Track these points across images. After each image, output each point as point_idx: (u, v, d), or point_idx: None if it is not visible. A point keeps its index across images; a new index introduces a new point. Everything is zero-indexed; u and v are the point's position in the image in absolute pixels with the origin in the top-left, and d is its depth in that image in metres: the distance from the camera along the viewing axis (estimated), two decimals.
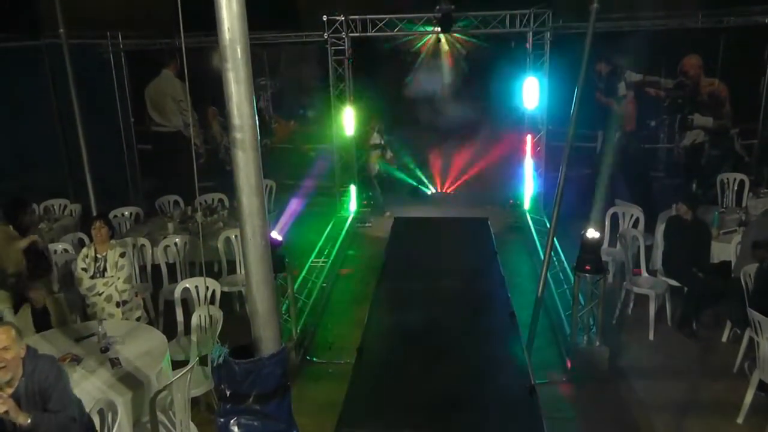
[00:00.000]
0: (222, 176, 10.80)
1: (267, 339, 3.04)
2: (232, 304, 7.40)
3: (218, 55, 8.66)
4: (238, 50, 2.67)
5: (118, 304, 5.90)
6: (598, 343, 6.15)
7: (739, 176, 8.99)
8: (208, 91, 10.08)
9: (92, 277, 5.94)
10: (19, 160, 10.36)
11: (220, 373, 3.05)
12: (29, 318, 5.43)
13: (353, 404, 4.04)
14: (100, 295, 5.89)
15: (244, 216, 2.86)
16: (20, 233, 6.22)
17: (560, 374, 6.14)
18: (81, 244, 7.64)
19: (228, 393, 3.04)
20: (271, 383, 3.02)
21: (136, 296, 6.27)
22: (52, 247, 7.18)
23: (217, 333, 5.33)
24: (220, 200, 9.27)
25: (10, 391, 3.61)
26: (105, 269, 5.95)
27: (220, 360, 3.02)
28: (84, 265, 5.98)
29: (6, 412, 3.44)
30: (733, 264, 6.88)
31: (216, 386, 3.14)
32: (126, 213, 8.87)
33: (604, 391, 5.91)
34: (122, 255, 6.03)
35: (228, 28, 2.65)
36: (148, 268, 7.55)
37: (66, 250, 7.27)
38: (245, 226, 2.87)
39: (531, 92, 9.93)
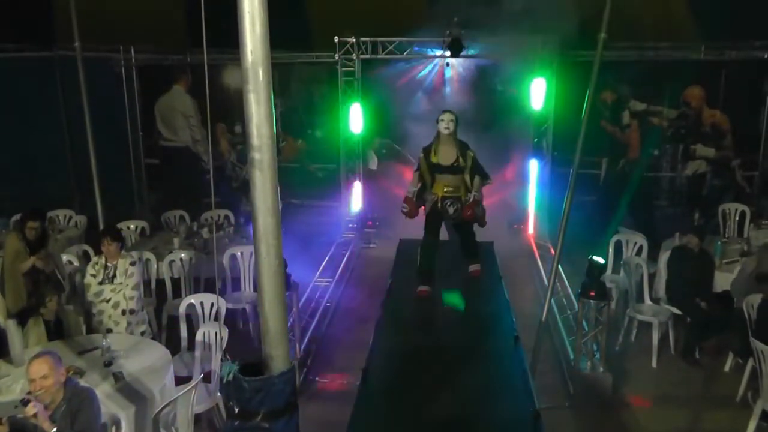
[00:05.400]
0: (228, 193, 10.87)
1: (277, 357, 3.05)
2: (236, 321, 7.42)
3: (229, 72, 8.77)
4: (260, 72, 2.72)
5: (124, 312, 5.92)
6: (601, 370, 6.17)
7: (741, 207, 9.06)
8: (218, 108, 10.22)
9: (101, 283, 5.97)
10: (26, 169, 10.41)
11: (229, 389, 3.06)
12: (42, 329, 5.46)
13: (358, 425, 4.05)
14: (107, 301, 5.92)
15: (259, 235, 2.89)
16: (30, 246, 6.22)
17: (563, 400, 6.15)
18: (86, 255, 7.67)
19: (236, 410, 3.05)
20: (280, 401, 3.04)
21: (142, 310, 6.27)
22: None
23: (222, 350, 5.34)
24: (227, 217, 9.31)
25: (48, 412, 3.79)
26: (114, 276, 5.99)
27: (230, 377, 3.03)
28: (93, 272, 6.03)
29: (35, 415, 3.64)
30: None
31: (225, 403, 3.17)
32: (132, 226, 8.90)
33: (607, 418, 5.93)
34: (132, 264, 6.08)
35: (251, 51, 2.70)
36: (153, 282, 7.57)
37: (70, 262, 7.29)
38: (260, 245, 2.90)
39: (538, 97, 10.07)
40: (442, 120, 6.38)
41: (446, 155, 6.44)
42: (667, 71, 10.26)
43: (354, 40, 10.18)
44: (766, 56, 9.99)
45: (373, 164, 11.19)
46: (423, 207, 6.66)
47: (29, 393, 3.75)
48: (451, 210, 6.48)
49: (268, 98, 2.77)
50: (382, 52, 10.23)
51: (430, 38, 10.08)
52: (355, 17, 10.09)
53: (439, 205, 6.49)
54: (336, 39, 10.16)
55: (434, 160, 6.48)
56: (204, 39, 2.90)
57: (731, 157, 10.40)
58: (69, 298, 6.68)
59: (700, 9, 9.10)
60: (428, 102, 10.99)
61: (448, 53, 9.91)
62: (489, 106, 10.94)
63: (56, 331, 5.55)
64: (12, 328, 5.17)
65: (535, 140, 10.37)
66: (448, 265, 6.79)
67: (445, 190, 6.50)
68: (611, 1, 6.17)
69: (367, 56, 10.34)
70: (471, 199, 6.46)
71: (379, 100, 10.72)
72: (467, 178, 6.50)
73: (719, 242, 7.73)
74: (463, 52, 9.74)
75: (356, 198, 10.94)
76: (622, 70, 10.00)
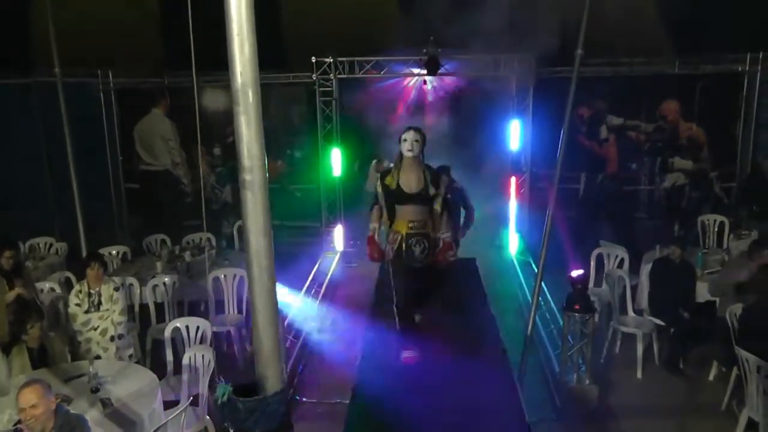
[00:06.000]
0: (209, 215, 10.80)
1: (271, 377, 3.07)
2: (221, 344, 7.37)
3: (207, 94, 8.76)
4: (250, 93, 2.76)
5: (112, 338, 5.89)
6: (587, 382, 6.21)
7: (719, 218, 9.20)
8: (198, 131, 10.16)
9: (87, 312, 5.92)
10: (4, 197, 10.27)
11: (223, 411, 3.07)
12: (26, 357, 5.40)
13: None
14: (95, 329, 5.89)
15: (251, 255, 2.91)
16: (6, 276, 6.17)
17: (550, 412, 6.17)
18: (68, 282, 7.60)
19: (232, 431, 3.06)
20: (274, 421, 3.05)
21: (128, 334, 6.23)
22: (38, 286, 7.11)
23: (210, 373, 5.31)
24: (208, 239, 9.27)
25: None
26: (100, 303, 5.95)
27: (224, 398, 3.03)
28: (78, 301, 5.98)
29: None
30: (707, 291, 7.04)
31: (218, 425, 3.17)
32: (114, 252, 8.83)
33: (594, 429, 5.95)
34: (116, 289, 6.06)
35: (240, 72, 2.74)
36: (136, 307, 7.50)
37: (52, 289, 7.22)
38: (252, 266, 2.92)
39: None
40: (405, 140, 5.32)
41: (410, 181, 5.34)
42: (643, 86, 10.46)
43: (331, 59, 10.24)
44: (739, 69, 10.22)
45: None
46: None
47: (19, 422, 3.71)
48: (417, 250, 5.43)
49: (258, 119, 2.81)
50: (360, 71, 10.30)
51: (407, 57, 10.17)
52: (331, 37, 10.16)
53: (404, 245, 5.45)
54: (313, 59, 10.22)
55: (392, 186, 5.39)
56: (193, 62, 2.92)
57: (708, 169, 10.58)
58: (51, 326, 6.61)
59: (674, 24, 9.28)
60: (407, 119, 11.05)
61: (425, 71, 9.99)
62: (467, 122, 11.04)
63: (40, 359, 5.49)
64: None
65: (514, 156, 10.49)
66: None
67: (409, 225, 5.45)
68: (587, 18, 6.28)
69: (344, 76, 10.40)
70: (441, 243, 5.48)
71: (357, 119, 10.79)
72: (437, 210, 5.51)
73: (700, 253, 7.84)
74: (441, 70, 9.83)
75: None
76: (598, 86, 10.16)
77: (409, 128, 5.43)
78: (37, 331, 5.48)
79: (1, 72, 10.04)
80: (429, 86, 11.05)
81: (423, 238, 5.43)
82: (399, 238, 5.49)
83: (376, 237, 5.64)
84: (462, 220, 7.09)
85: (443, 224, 5.50)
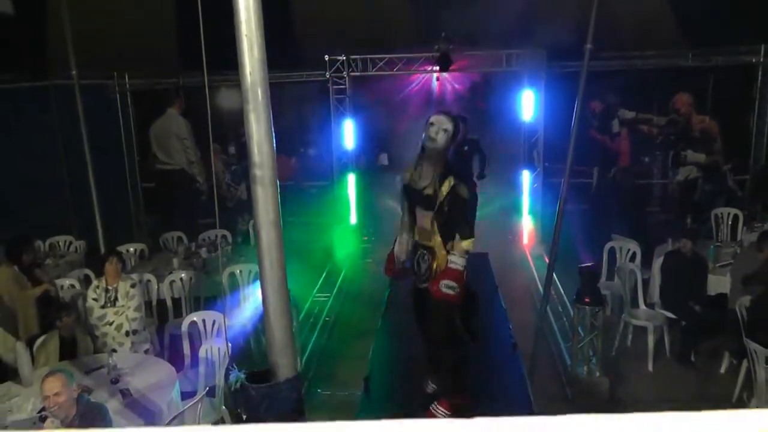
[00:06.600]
0: (223, 212, 10.92)
1: (283, 365, 3.16)
2: (236, 336, 7.48)
3: (221, 93, 8.87)
4: (259, 92, 2.85)
5: (127, 333, 6.03)
6: (598, 374, 6.26)
7: (733, 211, 9.17)
8: (212, 129, 10.28)
9: (103, 307, 6.08)
10: (24, 198, 10.45)
11: (237, 397, 3.17)
12: (53, 348, 5.55)
13: None
14: (110, 324, 6.03)
15: (263, 249, 3.01)
16: (24, 272, 6.35)
17: (561, 404, 6.23)
18: (87, 280, 7.76)
19: (244, 417, 3.16)
20: (286, 407, 3.14)
21: (144, 329, 6.37)
22: (58, 282, 7.29)
23: (226, 365, 5.43)
24: (224, 236, 9.39)
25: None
26: (116, 299, 6.10)
27: (237, 385, 3.14)
28: (95, 296, 6.13)
29: None
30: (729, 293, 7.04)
31: (233, 411, 3.28)
32: (131, 249, 9.00)
33: None
34: (133, 285, 6.20)
35: (250, 72, 2.83)
36: (154, 303, 7.65)
37: (72, 286, 7.39)
38: (264, 259, 3.02)
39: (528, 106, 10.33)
40: (431, 123, 4.20)
41: (421, 176, 4.27)
42: (655, 79, 10.44)
43: (344, 57, 10.33)
44: (753, 61, 10.17)
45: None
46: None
47: (43, 410, 3.85)
48: (422, 267, 4.35)
49: (268, 117, 2.91)
50: (372, 68, 10.38)
51: (419, 54, 10.24)
52: (344, 35, 10.23)
53: (415, 259, 4.45)
54: (326, 57, 10.32)
55: (405, 180, 4.43)
56: (204, 62, 3.02)
57: (721, 161, 10.55)
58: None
59: (686, 16, 9.24)
60: (420, 116, 11.12)
61: (437, 68, 10.06)
62: (480, 117, 11.08)
63: (70, 350, 5.66)
64: (21, 349, 5.26)
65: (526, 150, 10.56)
66: None
67: (419, 234, 4.37)
68: (597, 12, 6.30)
69: (358, 73, 10.49)
70: (444, 265, 4.20)
71: (371, 116, 10.89)
72: (440, 220, 4.22)
73: (712, 246, 7.84)
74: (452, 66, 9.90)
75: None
76: (610, 80, 10.17)
77: (439, 112, 4.35)
78: (69, 320, 5.64)
79: (20, 76, 10.21)
80: (442, 81, 11.10)
81: (427, 253, 4.32)
82: (410, 249, 4.51)
83: (396, 246, 4.63)
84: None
85: (455, 244, 4.21)
